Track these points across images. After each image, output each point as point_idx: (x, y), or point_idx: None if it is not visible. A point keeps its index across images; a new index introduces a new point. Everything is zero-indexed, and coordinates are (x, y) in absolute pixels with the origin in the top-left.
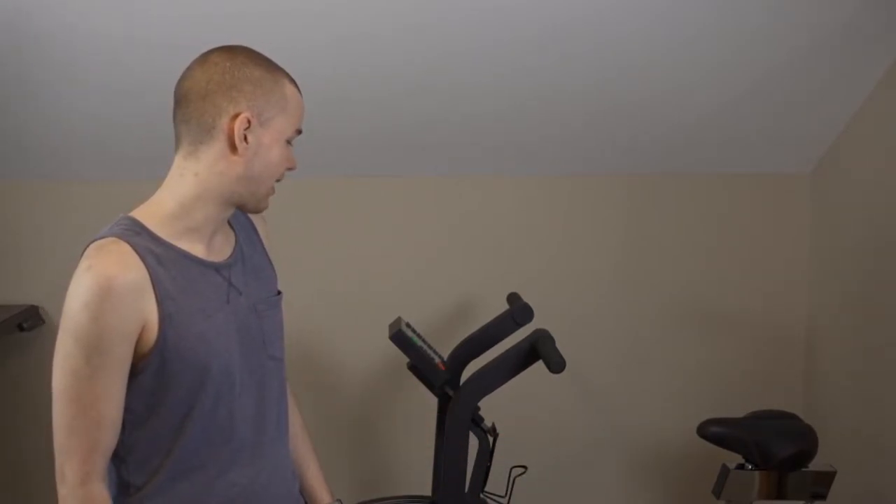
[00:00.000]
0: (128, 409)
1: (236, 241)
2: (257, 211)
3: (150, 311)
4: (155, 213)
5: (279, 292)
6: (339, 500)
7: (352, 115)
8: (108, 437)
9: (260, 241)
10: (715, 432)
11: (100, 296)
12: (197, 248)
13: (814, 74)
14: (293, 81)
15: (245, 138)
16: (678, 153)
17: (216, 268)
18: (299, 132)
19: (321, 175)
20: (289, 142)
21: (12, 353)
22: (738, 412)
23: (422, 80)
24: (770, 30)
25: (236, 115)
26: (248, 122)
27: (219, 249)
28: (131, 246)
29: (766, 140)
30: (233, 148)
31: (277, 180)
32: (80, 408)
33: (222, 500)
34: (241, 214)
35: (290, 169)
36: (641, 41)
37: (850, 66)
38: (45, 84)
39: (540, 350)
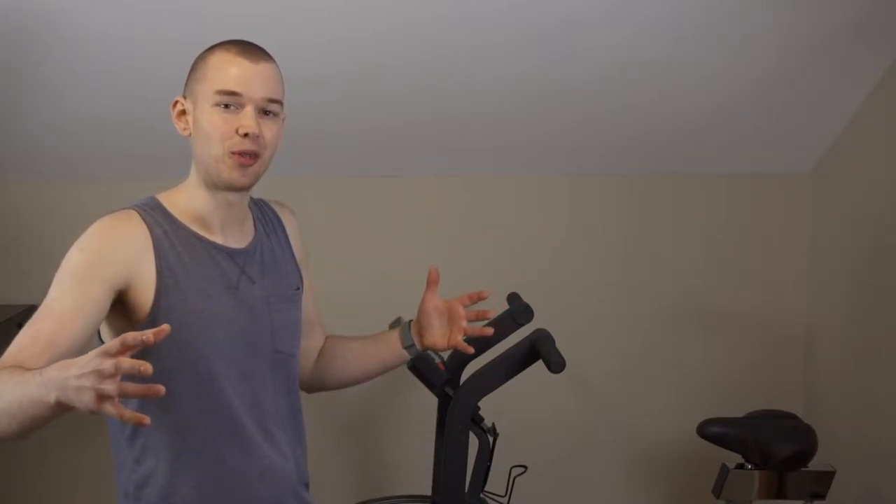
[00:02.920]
0: None
1: (255, 234)
2: (230, 186)
3: (141, 276)
4: (172, 196)
5: (299, 287)
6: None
7: (352, 116)
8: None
9: (286, 237)
10: (715, 432)
11: (93, 234)
12: (211, 233)
13: (814, 74)
14: (232, 48)
15: (186, 120)
16: (678, 153)
17: (230, 253)
18: (223, 93)
19: (321, 175)
20: (225, 105)
21: None
22: (738, 412)
23: (421, 80)
24: (770, 30)
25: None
26: (176, 103)
27: (236, 238)
28: (142, 217)
29: (766, 140)
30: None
31: (237, 152)
32: (43, 317)
33: (218, 487)
34: (268, 210)
35: (243, 134)
36: (641, 41)
37: (850, 66)
38: (45, 84)
39: (540, 350)
